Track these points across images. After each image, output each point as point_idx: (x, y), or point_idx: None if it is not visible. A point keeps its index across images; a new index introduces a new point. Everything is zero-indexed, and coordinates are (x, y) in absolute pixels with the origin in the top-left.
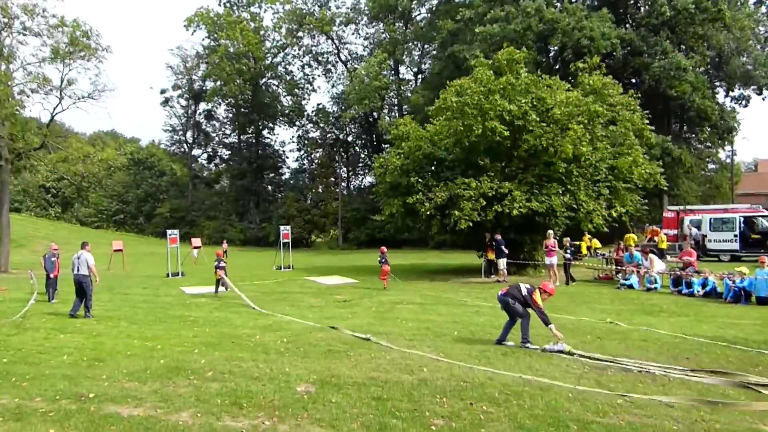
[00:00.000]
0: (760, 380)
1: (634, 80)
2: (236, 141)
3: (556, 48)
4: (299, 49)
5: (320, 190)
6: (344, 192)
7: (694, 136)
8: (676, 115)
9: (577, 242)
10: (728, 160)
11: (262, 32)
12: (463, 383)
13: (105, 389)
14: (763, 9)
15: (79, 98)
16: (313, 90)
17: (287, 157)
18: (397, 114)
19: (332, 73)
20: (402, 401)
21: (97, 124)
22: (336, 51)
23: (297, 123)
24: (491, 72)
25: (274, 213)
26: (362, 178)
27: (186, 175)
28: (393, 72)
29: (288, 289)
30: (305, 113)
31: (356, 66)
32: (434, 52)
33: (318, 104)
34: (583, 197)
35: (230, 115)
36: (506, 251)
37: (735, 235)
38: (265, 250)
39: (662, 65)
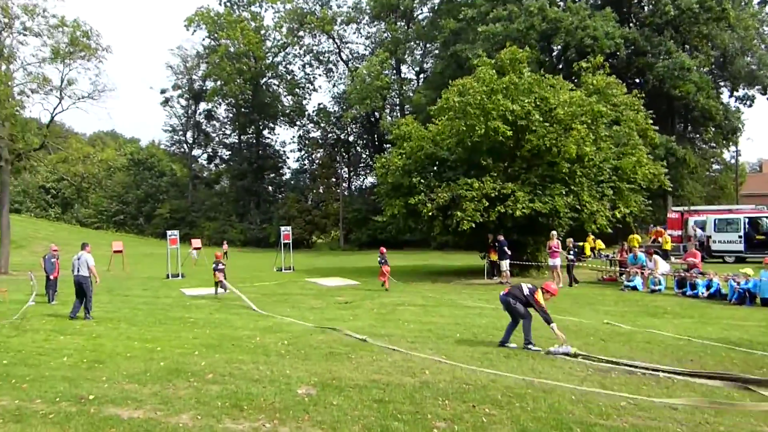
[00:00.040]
0: (760, 379)
1: (637, 80)
2: (236, 141)
3: (559, 47)
4: (300, 49)
5: (321, 190)
6: (345, 192)
7: (698, 136)
8: (680, 115)
9: (581, 243)
10: (733, 161)
11: (262, 32)
12: (466, 385)
13: (105, 391)
14: None
15: (79, 98)
16: (314, 90)
17: (288, 158)
18: (398, 114)
19: (333, 72)
20: (404, 404)
21: (97, 124)
22: (337, 50)
23: (298, 123)
24: (494, 71)
25: (275, 214)
26: (363, 179)
27: (186, 176)
28: (395, 71)
29: (289, 290)
30: (306, 113)
31: (357, 65)
32: (436, 52)
33: (319, 104)
34: (586, 198)
35: (230, 115)
36: (509, 252)
37: (740, 236)
38: (265, 251)
39: (666, 65)
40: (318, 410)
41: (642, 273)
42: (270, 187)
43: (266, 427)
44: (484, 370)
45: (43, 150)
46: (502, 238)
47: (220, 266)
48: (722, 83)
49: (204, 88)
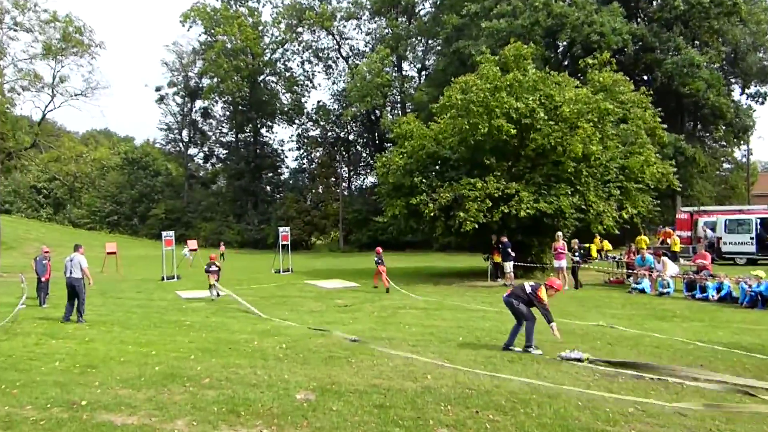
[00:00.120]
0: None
1: (645, 77)
2: (233, 140)
3: (565, 43)
4: (299, 45)
5: (320, 190)
6: (345, 192)
7: (708, 134)
8: (689, 113)
9: (587, 245)
10: (744, 160)
11: (260, 27)
12: (469, 390)
13: (98, 397)
14: None
15: (71, 96)
16: (313, 87)
17: (286, 157)
18: (400, 112)
19: (333, 69)
20: (405, 409)
21: (90, 122)
22: (337, 47)
23: (296, 121)
24: (498, 68)
25: (273, 214)
26: (364, 178)
27: (182, 175)
28: (396, 68)
29: (287, 293)
30: (305, 111)
31: (358, 62)
32: (439, 48)
33: (318, 102)
34: (592, 198)
35: (227, 113)
36: (513, 254)
37: (751, 238)
38: (263, 253)
39: (675, 61)
40: (317, 416)
41: (650, 275)
42: (268, 187)
43: None
44: (488, 374)
45: (35, 149)
46: (505, 239)
47: (212, 268)
48: (733, 80)
49: (200, 85)
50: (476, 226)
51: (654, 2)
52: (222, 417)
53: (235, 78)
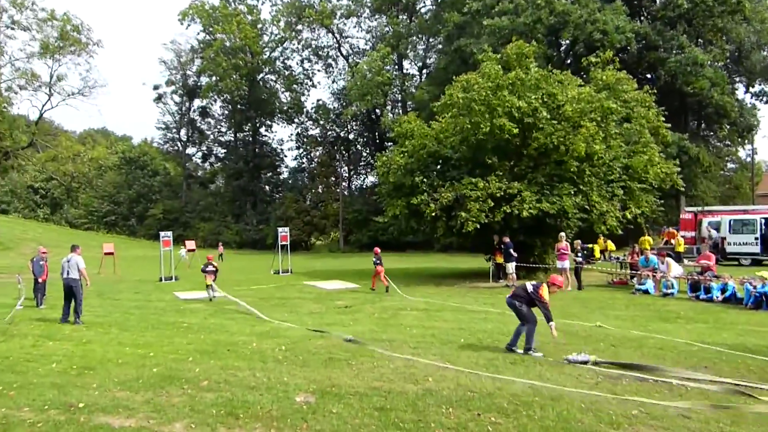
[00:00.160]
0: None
1: (649, 76)
2: (232, 139)
3: (567, 42)
4: (298, 43)
5: (320, 190)
6: (345, 192)
7: (712, 134)
8: (693, 112)
9: (590, 245)
10: (748, 159)
11: (259, 26)
12: (470, 393)
13: (95, 399)
14: None
15: (68, 95)
16: (313, 86)
17: (285, 156)
18: (400, 111)
19: (333, 68)
20: (406, 412)
21: (87, 121)
22: (337, 45)
23: (296, 120)
24: (499, 67)
25: (272, 214)
26: (364, 178)
27: (180, 175)
28: (396, 67)
29: (287, 294)
30: (304, 110)
31: (358, 60)
32: (440, 46)
33: (318, 100)
34: (596, 198)
35: (226, 112)
36: (515, 255)
37: (756, 238)
38: (262, 254)
39: (679, 60)
40: (317, 419)
41: (654, 276)
42: (267, 187)
43: None
44: (490, 377)
45: (32, 148)
46: (507, 239)
47: (209, 268)
48: (737, 78)
49: (198, 84)
50: (478, 226)
51: (657, 0)
52: (220, 420)
53: (234, 76)
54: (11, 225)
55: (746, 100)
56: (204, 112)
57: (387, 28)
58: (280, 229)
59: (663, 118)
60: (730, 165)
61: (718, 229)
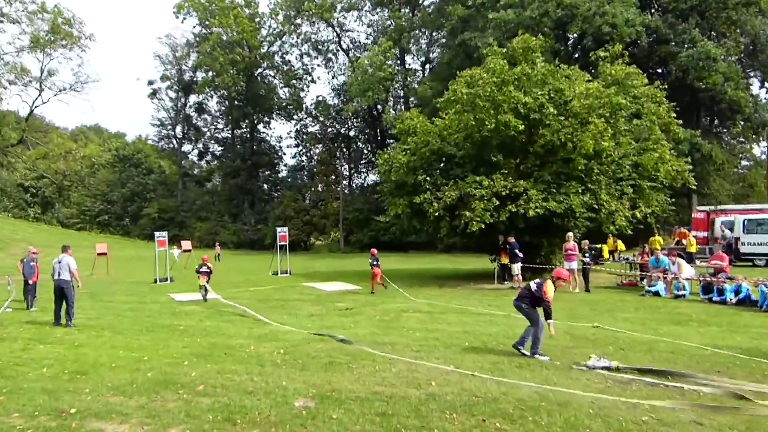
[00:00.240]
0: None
1: (660, 70)
2: (229, 136)
3: (575, 35)
4: (297, 37)
5: (320, 188)
6: (346, 191)
7: (725, 130)
8: (705, 108)
9: (598, 245)
10: (763, 156)
11: (257, 19)
12: (475, 398)
13: (88, 404)
14: None
15: (60, 90)
16: (313, 81)
17: (284, 154)
18: (402, 107)
19: (333, 62)
20: (408, 417)
21: (79, 118)
22: (337, 39)
23: (295, 117)
24: (505, 61)
25: (271, 214)
26: (365, 176)
27: (175, 173)
28: (398, 62)
29: (285, 296)
30: (304, 106)
31: (359, 55)
32: (443, 40)
33: (317, 96)
34: (604, 197)
35: (223, 108)
36: (521, 255)
37: None
38: (260, 254)
39: (691, 54)
40: (316, 424)
41: (665, 277)
42: (265, 185)
43: None
44: (495, 381)
45: (22, 145)
46: (513, 239)
47: (203, 269)
48: (752, 73)
49: (194, 79)
50: (482, 226)
51: None
52: (217, 425)
53: (231, 71)
54: (1, 225)
55: (761, 96)
56: (200, 109)
57: (389, 22)
58: (278, 229)
59: (674, 114)
60: (744, 162)
61: (731, 229)
